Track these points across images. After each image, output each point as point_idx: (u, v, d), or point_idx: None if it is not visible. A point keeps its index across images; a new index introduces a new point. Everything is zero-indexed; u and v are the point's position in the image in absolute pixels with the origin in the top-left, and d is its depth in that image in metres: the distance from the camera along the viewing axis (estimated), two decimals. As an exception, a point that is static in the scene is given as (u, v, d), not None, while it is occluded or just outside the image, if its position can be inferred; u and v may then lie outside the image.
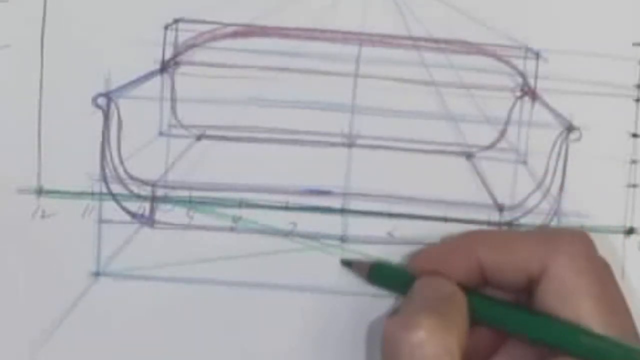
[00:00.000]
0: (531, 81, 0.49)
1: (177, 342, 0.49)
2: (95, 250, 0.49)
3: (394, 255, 0.49)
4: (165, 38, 0.49)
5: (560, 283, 0.42)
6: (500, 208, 0.49)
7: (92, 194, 0.49)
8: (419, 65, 0.49)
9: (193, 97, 0.50)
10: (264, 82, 0.49)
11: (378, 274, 0.47)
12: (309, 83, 0.49)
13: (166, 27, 0.49)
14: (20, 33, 0.49)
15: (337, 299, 0.49)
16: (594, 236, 0.49)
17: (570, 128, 0.49)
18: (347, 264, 0.48)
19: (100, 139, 0.49)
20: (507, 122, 0.50)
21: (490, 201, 0.49)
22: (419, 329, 0.40)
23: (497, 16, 0.49)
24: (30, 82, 0.49)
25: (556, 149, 0.49)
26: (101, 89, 0.49)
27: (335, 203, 0.49)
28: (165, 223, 0.50)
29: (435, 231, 0.49)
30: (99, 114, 0.49)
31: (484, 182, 0.49)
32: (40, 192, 0.49)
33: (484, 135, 0.50)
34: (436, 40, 0.49)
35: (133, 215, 0.49)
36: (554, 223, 0.49)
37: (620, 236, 0.49)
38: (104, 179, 0.49)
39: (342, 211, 0.49)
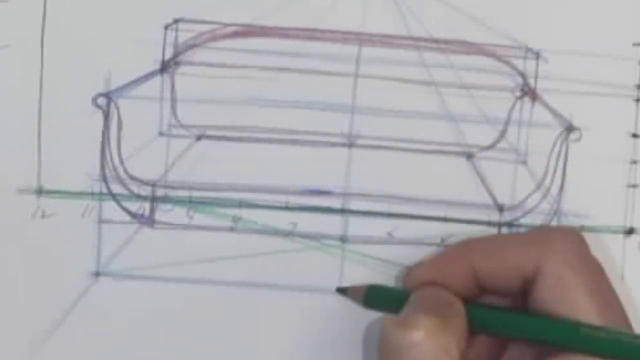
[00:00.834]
0: (531, 81, 0.49)
1: (177, 342, 0.49)
2: (95, 250, 0.49)
3: (394, 255, 0.49)
4: (165, 38, 0.49)
5: (556, 280, 0.42)
6: (500, 208, 0.49)
7: (92, 194, 0.49)
8: (419, 65, 0.49)
9: (193, 97, 0.50)
10: (264, 82, 0.49)
11: (374, 297, 0.47)
12: (309, 83, 0.49)
13: (166, 27, 0.49)
14: (20, 33, 0.49)
15: (337, 299, 0.49)
16: (593, 236, 0.49)
17: (570, 128, 0.49)
18: (343, 291, 0.48)
19: (100, 139, 0.49)
20: (507, 122, 0.50)
21: (490, 201, 0.49)
22: (418, 328, 0.40)
23: (497, 16, 0.49)
24: (30, 82, 0.49)
25: (556, 149, 0.49)
26: (101, 89, 0.49)
27: (335, 203, 0.49)
28: (165, 223, 0.50)
29: (435, 231, 0.49)
30: (99, 114, 0.49)
31: (484, 182, 0.49)
32: (40, 192, 0.49)
33: (484, 135, 0.50)
34: (436, 40, 0.49)
35: (133, 215, 0.49)
36: (554, 223, 0.49)
37: (620, 236, 0.49)
38: (104, 179, 0.49)
39: (342, 211, 0.49)
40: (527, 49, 0.49)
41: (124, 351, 0.49)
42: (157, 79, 0.49)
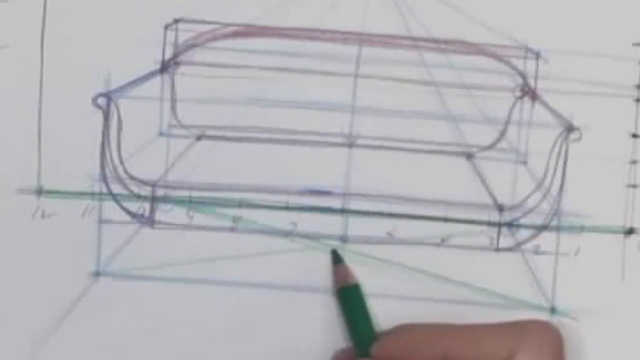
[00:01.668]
0: (531, 81, 0.49)
1: (177, 342, 0.49)
2: (95, 250, 0.49)
3: (394, 255, 0.49)
4: (165, 38, 0.49)
5: None
6: (500, 208, 0.49)
7: (92, 194, 0.49)
8: (419, 65, 0.49)
9: (193, 97, 0.50)
10: (264, 82, 0.49)
11: (346, 297, 0.48)
12: (309, 83, 0.49)
13: (166, 27, 0.49)
14: (20, 33, 0.49)
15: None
16: (593, 236, 0.49)
17: (570, 128, 0.49)
18: (336, 257, 0.48)
19: (100, 139, 0.49)
20: (507, 122, 0.50)
21: (490, 201, 0.49)
22: None
23: (497, 16, 0.49)
24: (30, 82, 0.49)
25: (556, 149, 0.49)
26: (101, 89, 0.49)
27: (335, 203, 0.49)
28: (165, 223, 0.50)
29: (435, 231, 0.49)
30: (99, 114, 0.49)
31: (484, 182, 0.49)
32: (40, 192, 0.49)
33: (484, 135, 0.50)
34: (436, 40, 0.49)
35: (133, 215, 0.49)
36: (554, 223, 0.49)
37: (620, 236, 0.49)
38: (104, 179, 0.49)
39: (342, 211, 0.49)
40: (527, 49, 0.49)
41: (124, 351, 0.49)
42: (157, 79, 0.49)
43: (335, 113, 0.49)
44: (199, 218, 0.49)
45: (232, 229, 0.49)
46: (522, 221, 0.49)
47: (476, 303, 0.49)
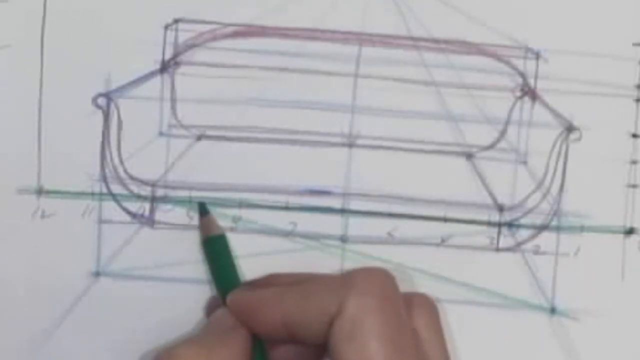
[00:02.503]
0: (531, 81, 0.49)
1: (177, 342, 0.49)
2: (95, 250, 0.49)
3: (394, 255, 0.49)
4: (165, 38, 0.49)
5: (349, 323, 0.40)
6: (500, 208, 0.49)
7: (92, 194, 0.49)
8: (419, 65, 0.49)
9: (193, 97, 0.50)
10: (264, 82, 0.49)
11: (211, 247, 0.48)
12: (309, 83, 0.49)
13: (166, 27, 0.49)
14: (20, 33, 0.49)
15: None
16: (593, 236, 0.49)
17: (570, 128, 0.49)
18: (203, 209, 0.49)
19: (100, 139, 0.49)
20: (507, 122, 0.50)
21: (490, 201, 0.49)
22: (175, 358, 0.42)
23: (497, 16, 0.49)
24: (30, 82, 0.49)
25: (556, 149, 0.49)
26: (101, 89, 0.49)
27: (335, 203, 0.49)
28: (165, 223, 0.50)
29: (435, 231, 0.49)
30: (99, 114, 0.49)
31: (484, 182, 0.49)
32: (40, 192, 0.49)
33: (484, 135, 0.50)
34: (436, 40, 0.49)
35: (133, 215, 0.49)
36: (554, 223, 0.49)
37: (620, 236, 0.49)
38: (104, 179, 0.49)
39: (342, 211, 0.49)
40: (527, 49, 0.49)
41: (124, 351, 0.49)
42: (157, 79, 0.49)
43: (335, 113, 0.49)
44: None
45: (232, 229, 0.49)
46: (522, 221, 0.49)
47: (476, 303, 0.49)
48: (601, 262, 0.49)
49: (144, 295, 0.49)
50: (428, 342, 0.43)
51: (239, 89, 0.49)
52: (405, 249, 0.49)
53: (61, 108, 0.49)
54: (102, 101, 0.49)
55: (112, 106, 0.49)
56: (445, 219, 0.49)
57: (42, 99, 0.49)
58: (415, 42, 0.49)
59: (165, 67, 0.49)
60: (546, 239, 0.49)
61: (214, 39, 0.50)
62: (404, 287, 0.49)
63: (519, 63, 0.50)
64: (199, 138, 0.50)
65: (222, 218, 0.49)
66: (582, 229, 0.49)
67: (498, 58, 0.49)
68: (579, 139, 0.49)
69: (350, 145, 0.50)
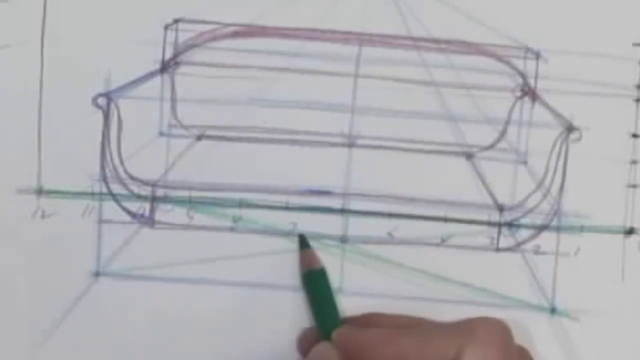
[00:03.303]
0: (531, 81, 0.49)
1: (177, 342, 0.49)
2: (95, 250, 0.49)
3: (394, 255, 0.49)
4: (165, 38, 0.49)
5: None
6: (500, 208, 0.49)
7: (92, 194, 0.49)
8: (419, 65, 0.49)
9: (193, 97, 0.50)
10: (264, 82, 0.49)
11: (312, 281, 0.48)
12: (309, 83, 0.49)
13: (166, 27, 0.49)
14: (20, 33, 0.49)
15: (337, 299, 0.49)
16: (593, 236, 0.49)
17: (570, 128, 0.49)
18: (304, 242, 0.49)
19: (100, 139, 0.49)
20: (507, 122, 0.50)
21: (490, 201, 0.49)
22: None
23: (497, 16, 0.49)
24: (30, 82, 0.49)
25: (556, 149, 0.49)
26: (101, 89, 0.49)
27: (335, 203, 0.49)
28: (165, 223, 0.50)
29: (435, 231, 0.49)
30: (99, 114, 0.49)
31: (484, 182, 0.49)
32: (40, 192, 0.49)
33: (484, 135, 0.50)
34: (436, 40, 0.49)
35: (133, 215, 0.49)
36: (554, 223, 0.49)
37: (620, 236, 0.49)
38: (104, 179, 0.49)
39: (342, 211, 0.49)
40: (527, 49, 0.49)
41: (124, 351, 0.49)
42: (157, 79, 0.49)
43: (335, 113, 0.49)
44: (199, 218, 0.49)
45: (232, 229, 0.49)
46: (522, 221, 0.49)
47: (476, 303, 0.49)
48: (601, 262, 0.49)
49: (144, 295, 0.49)
50: None
51: (239, 89, 0.49)
52: (405, 249, 0.49)
53: (61, 108, 0.49)
54: (102, 101, 0.49)
55: (112, 106, 0.49)
56: (446, 219, 0.49)
57: (42, 99, 0.49)
58: (415, 42, 0.49)
59: (165, 67, 0.49)
60: (546, 239, 0.49)
61: (214, 39, 0.50)
62: (407, 289, 0.49)
63: (519, 63, 0.50)
64: (199, 138, 0.50)
65: (222, 218, 0.49)
66: (582, 229, 0.49)
67: (498, 58, 0.49)
68: (579, 139, 0.49)
69: (350, 145, 0.50)
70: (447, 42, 0.49)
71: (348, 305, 0.49)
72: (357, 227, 0.49)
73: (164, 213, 0.50)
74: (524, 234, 0.49)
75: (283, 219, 0.49)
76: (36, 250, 0.49)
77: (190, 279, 0.49)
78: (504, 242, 0.49)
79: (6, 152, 0.49)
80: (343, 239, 0.49)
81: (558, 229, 0.49)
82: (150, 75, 0.49)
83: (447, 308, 0.49)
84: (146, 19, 0.49)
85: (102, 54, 0.49)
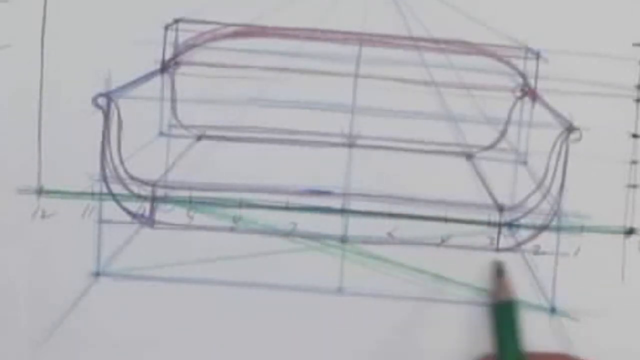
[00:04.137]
0: (531, 81, 0.49)
1: (177, 342, 0.49)
2: (95, 250, 0.49)
3: (394, 255, 0.49)
4: (165, 38, 0.49)
5: None
6: (500, 208, 0.49)
7: (92, 194, 0.49)
8: (419, 65, 0.49)
9: (193, 97, 0.50)
10: (264, 82, 0.49)
11: (500, 313, 0.48)
12: (309, 83, 0.49)
13: (166, 27, 0.49)
14: (20, 33, 0.49)
15: (337, 299, 0.49)
16: (593, 236, 0.49)
17: (570, 128, 0.49)
18: (499, 270, 0.48)
19: (100, 139, 0.49)
20: (507, 123, 0.50)
21: (490, 201, 0.49)
22: None
23: (497, 16, 0.49)
24: (30, 82, 0.49)
25: (556, 149, 0.49)
26: (101, 89, 0.49)
27: (335, 203, 0.49)
28: (165, 223, 0.50)
29: (435, 231, 0.49)
30: (99, 114, 0.49)
31: (484, 182, 0.49)
32: (40, 192, 0.49)
33: (484, 135, 0.50)
34: (436, 40, 0.49)
35: (133, 215, 0.49)
36: (554, 223, 0.49)
37: (620, 236, 0.49)
38: (104, 179, 0.49)
39: (342, 211, 0.49)
40: (527, 49, 0.49)
41: (124, 351, 0.49)
42: (157, 79, 0.49)
43: (335, 113, 0.49)
44: (199, 218, 0.49)
45: (232, 229, 0.49)
46: (522, 221, 0.49)
47: (476, 303, 0.49)
48: (601, 262, 0.49)
49: (144, 295, 0.49)
50: None
51: (239, 89, 0.49)
52: (405, 249, 0.49)
53: (61, 108, 0.49)
54: (102, 101, 0.49)
55: (112, 106, 0.49)
56: (446, 219, 0.49)
57: (42, 99, 0.49)
58: (415, 42, 0.49)
59: (165, 67, 0.49)
60: (546, 239, 0.49)
61: (214, 39, 0.50)
62: (407, 289, 0.49)
63: (519, 63, 0.50)
64: (199, 138, 0.50)
65: (222, 218, 0.49)
66: (582, 229, 0.49)
67: (498, 58, 0.49)
68: (579, 139, 0.49)
69: (350, 145, 0.50)
70: (447, 42, 0.49)
71: (348, 306, 0.49)
72: (357, 227, 0.49)
73: (164, 213, 0.50)
74: (524, 234, 0.49)
75: (283, 219, 0.49)
76: (36, 250, 0.49)
77: (190, 279, 0.49)
78: (504, 242, 0.49)
79: (6, 152, 0.49)
80: (343, 239, 0.49)
81: (558, 229, 0.49)
82: (150, 75, 0.49)
83: (447, 308, 0.49)
84: (146, 19, 0.49)
85: (102, 54, 0.49)
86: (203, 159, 0.49)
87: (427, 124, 0.49)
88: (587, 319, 0.49)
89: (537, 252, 0.49)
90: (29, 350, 0.49)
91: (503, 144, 0.50)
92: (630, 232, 0.49)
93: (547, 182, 0.49)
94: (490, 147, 0.50)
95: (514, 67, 0.49)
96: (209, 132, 0.50)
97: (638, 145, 0.50)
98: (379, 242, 0.49)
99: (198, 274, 0.49)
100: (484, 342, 0.49)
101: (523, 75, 0.50)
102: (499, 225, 0.49)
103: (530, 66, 0.49)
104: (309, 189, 0.49)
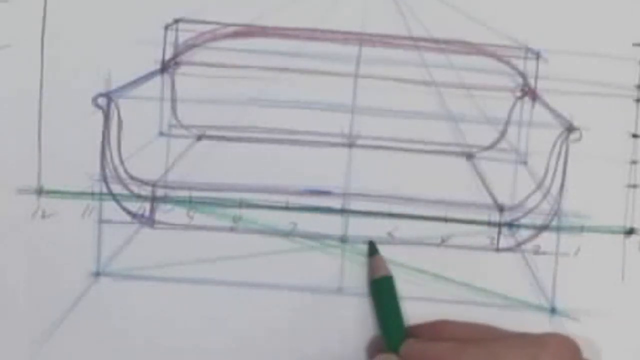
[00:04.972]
0: (531, 81, 0.49)
1: (177, 342, 0.49)
2: (95, 250, 0.49)
3: (394, 255, 0.49)
4: (165, 38, 0.49)
5: None
6: (501, 208, 0.49)
7: (92, 194, 0.49)
8: (419, 65, 0.49)
9: (193, 97, 0.50)
10: (264, 82, 0.49)
11: (377, 289, 0.48)
12: (309, 83, 0.49)
13: (166, 27, 0.49)
14: (20, 33, 0.49)
15: (337, 299, 0.49)
16: (593, 236, 0.49)
17: (570, 128, 0.49)
18: (373, 249, 0.49)
19: (100, 139, 0.49)
20: (507, 123, 0.50)
21: (490, 201, 0.49)
22: None
23: (497, 16, 0.49)
24: (30, 82, 0.49)
25: (556, 149, 0.49)
26: (101, 89, 0.49)
27: (335, 203, 0.49)
28: (165, 223, 0.50)
29: (435, 231, 0.49)
30: (99, 114, 0.49)
31: (484, 182, 0.49)
32: (40, 192, 0.49)
33: (484, 135, 0.50)
34: (436, 40, 0.49)
35: (133, 215, 0.49)
36: (554, 223, 0.49)
37: (620, 236, 0.49)
38: (104, 179, 0.49)
39: (342, 211, 0.49)
40: (527, 49, 0.49)
41: (124, 351, 0.49)
42: (157, 79, 0.49)
43: (335, 113, 0.49)
44: (199, 218, 0.49)
45: (232, 229, 0.49)
46: (522, 221, 0.49)
47: (476, 303, 0.49)
48: (601, 262, 0.49)
49: (144, 295, 0.49)
50: None
51: (239, 89, 0.49)
52: (405, 249, 0.49)
53: (61, 108, 0.49)
54: (102, 101, 0.49)
55: (112, 106, 0.49)
56: (446, 219, 0.49)
57: (42, 99, 0.49)
58: (415, 42, 0.49)
59: (165, 67, 0.49)
60: (546, 239, 0.49)
61: (214, 39, 0.50)
62: (407, 289, 0.49)
63: (519, 63, 0.50)
64: (199, 138, 0.50)
65: (222, 218, 0.49)
66: (582, 229, 0.49)
67: (498, 58, 0.49)
68: (579, 139, 0.49)
69: (350, 145, 0.50)
70: (447, 42, 0.49)
71: (348, 306, 0.49)
72: (357, 227, 0.49)
73: (164, 213, 0.50)
74: (524, 234, 0.49)
75: (283, 219, 0.49)
76: (36, 250, 0.49)
77: (190, 279, 0.49)
78: (504, 242, 0.49)
79: (6, 152, 0.49)
80: (343, 239, 0.49)
81: (558, 229, 0.49)
82: (150, 75, 0.49)
83: (447, 308, 0.49)
84: (146, 19, 0.49)
85: (102, 54, 0.49)
86: (203, 159, 0.49)
87: (427, 124, 0.49)
88: (587, 319, 0.49)
89: (537, 252, 0.49)
90: (29, 350, 0.49)
91: (503, 144, 0.50)
92: (630, 232, 0.49)
93: (547, 182, 0.49)
94: (490, 147, 0.50)
95: (514, 67, 0.49)
96: (209, 132, 0.50)
97: (638, 145, 0.50)
98: (379, 242, 0.49)
99: (198, 274, 0.49)
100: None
101: (523, 75, 0.50)
102: (499, 225, 0.49)
103: (530, 66, 0.49)
104: (309, 189, 0.49)
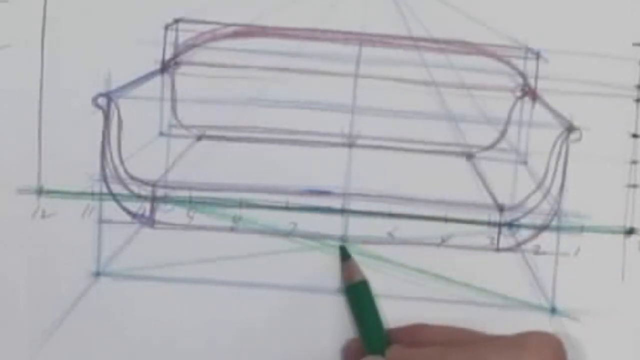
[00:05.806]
0: (531, 81, 0.49)
1: (177, 342, 0.49)
2: (95, 250, 0.49)
3: (394, 255, 0.49)
4: (165, 38, 0.49)
5: None
6: (501, 208, 0.49)
7: (92, 194, 0.49)
8: (419, 65, 0.49)
9: (193, 97, 0.50)
10: (264, 82, 0.49)
11: (354, 294, 0.48)
12: (309, 83, 0.49)
13: (166, 27, 0.49)
14: (20, 33, 0.49)
15: (337, 299, 0.49)
16: (593, 236, 0.49)
17: (570, 128, 0.49)
18: (345, 253, 0.49)
19: (100, 139, 0.49)
20: (507, 123, 0.50)
21: (490, 201, 0.49)
22: None
23: (497, 16, 0.49)
24: (30, 82, 0.49)
25: (556, 149, 0.49)
26: (101, 89, 0.49)
27: (335, 203, 0.49)
28: (165, 223, 0.50)
29: (435, 231, 0.49)
30: (99, 114, 0.49)
31: (484, 182, 0.49)
32: (40, 192, 0.49)
33: (484, 135, 0.50)
34: (436, 40, 0.49)
35: (133, 215, 0.49)
36: (554, 223, 0.49)
37: (620, 236, 0.49)
38: (104, 179, 0.49)
39: (342, 211, 0.49)
40: (527, 49, 0.49)
41: (124, 351, 0.49)
42: (157, 79, 0.49)
43: (335, 113, 0.49)
44: (199, 218, 0.49)
45: (232, 229, 0.49)
46: (523, 221, 0.49)
47: (476, 303, 0.49)
48: (601, 262, 0.49)
49: (144, 295, 0.49)
50: None
51: (239, 89, 0.49)
52: (405, 249, 0.49)
53: (61, 108, 0.49)
54: (102, 101, 0.49)
55: (112, 106, 0.49)
56: (446, 219, 0.49)
57: (42, 99, 0.49)
58: (415, 42, 0.49)
59: (165, 67, 0.49)
60: (546, 239, 0.49)
61: (214, 39, 0.50)
62: (407, 289, 0.49)
63: (519, 63, 0.50)
64: (199, 138, 0.50)
65: (222, 218, 0.49)
66: (582, 229, 0.49)
67: (498, 58, 0.49)
68: (579, 139, 0.49)
69: (350, 145, 0.50)
70: (447, 42, 0.49)
71: (348, 306, 0.49)
72: (357, 227, 0.49)
73: (164, 213, 0.50)
74: (524, 234, 0.49)
75: (283, 219, 0.49)
76: (36, 250, 0.49)
77: (190, 279, 0.49)
78: (504, 242, 0.49)
79: (6, 152, 0.49)
80: (343, 239, 0.49)
81: (558, 229, 0.49)
82: (150, 75, 0.49)
83: (447, 308, 0.49)
84: (146, 19, 0.49)
85: (102, 54, 0.49)
86: (203, 159, 0.49)
87: (427, 124, 0.49)
88: (587, 319, 0.49)
89: (537, 252, 0.49)
90: (29, 350, 0.49)
91: (503, 144, 0.50)
92: (630, 232, 0.49)
93: (547, 182, 0.49)
94: (490, 147, 0.50)
95: (514, 67, 0.49)
96: (209, 132, 0.50)
97: (638, 145, 0.50)
98: (379, 242, 0.49)
99: (198, 274, 0.49)
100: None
101: (523, 75, 0.50)
102: (499, 225, 0.49)
103: (530, 66, 0.49)
104: (309, 189, 0.49)
